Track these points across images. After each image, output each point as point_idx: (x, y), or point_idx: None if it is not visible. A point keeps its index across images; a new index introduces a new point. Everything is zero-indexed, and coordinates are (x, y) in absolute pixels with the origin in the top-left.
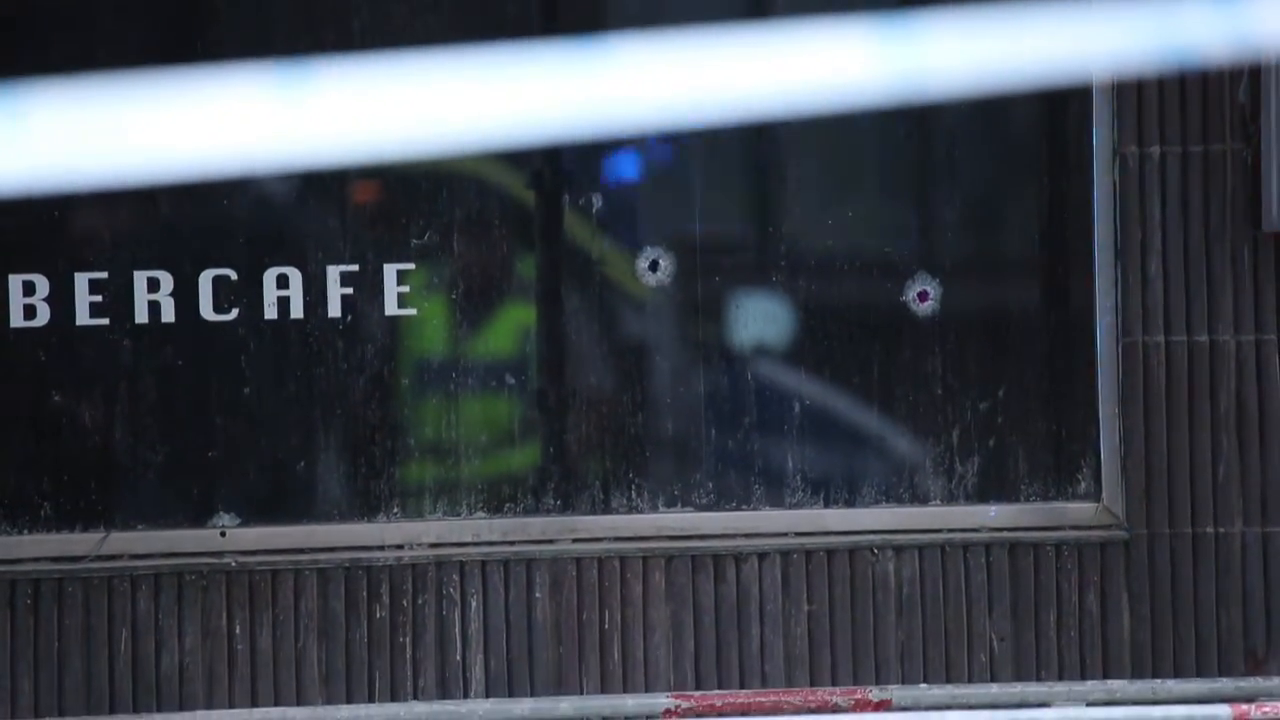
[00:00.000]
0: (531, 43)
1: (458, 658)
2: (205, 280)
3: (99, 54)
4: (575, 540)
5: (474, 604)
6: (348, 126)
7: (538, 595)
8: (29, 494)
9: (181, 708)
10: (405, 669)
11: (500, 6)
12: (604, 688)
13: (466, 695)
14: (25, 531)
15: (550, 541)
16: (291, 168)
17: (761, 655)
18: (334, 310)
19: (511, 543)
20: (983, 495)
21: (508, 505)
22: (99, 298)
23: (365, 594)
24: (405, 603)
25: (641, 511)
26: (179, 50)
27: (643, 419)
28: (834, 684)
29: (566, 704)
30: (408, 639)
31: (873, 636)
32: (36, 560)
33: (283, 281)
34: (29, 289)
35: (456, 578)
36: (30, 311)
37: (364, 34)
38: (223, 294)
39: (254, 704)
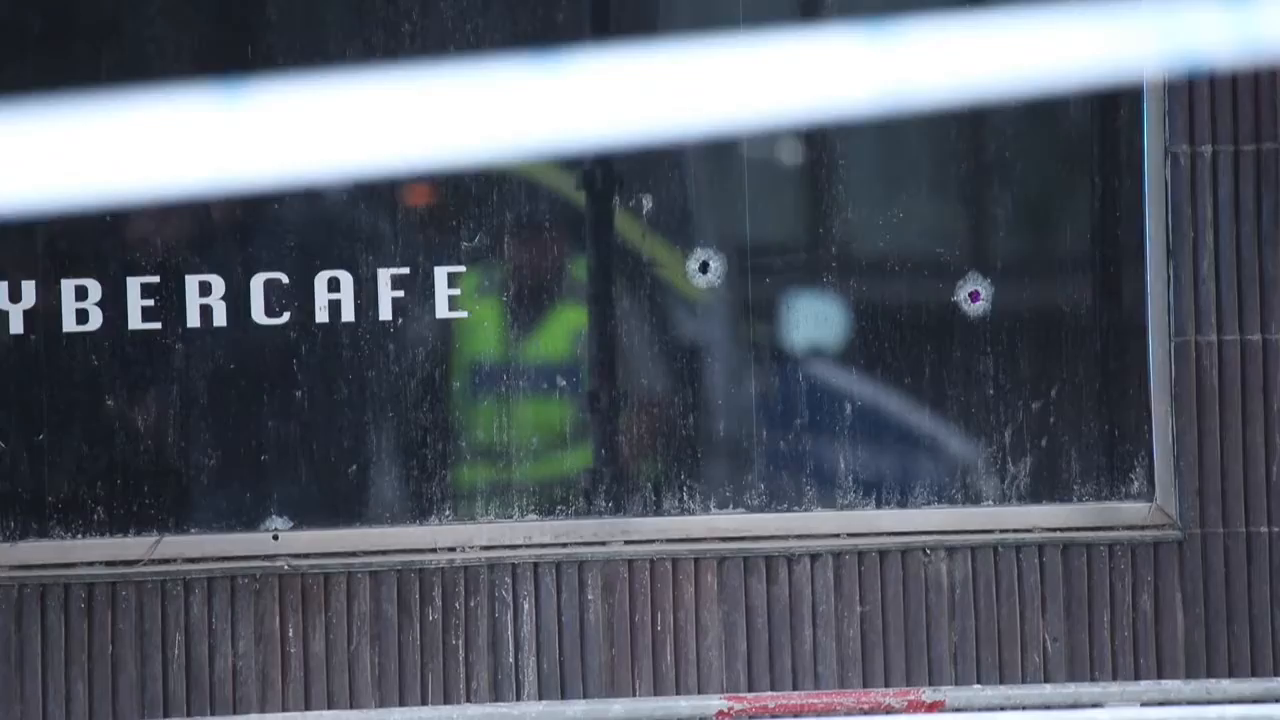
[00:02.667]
0: (574, 47)
1: (510, 660)
2: (257, 284)
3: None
4: (627, 542)
5: (526, 606)
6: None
7: (590, 597)
8: (82, 498)
9: (235, 711)
10: (458, 671)
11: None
12: (656, 690)
13: (519, 697)
14: (79, 535)
15: (602, 543)
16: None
17: (814, 656)
18: (385, 313)
19: (564, 544)
20: (1035, 495)
21: (559, 507)
22: (151, 302)
23: (418, 597)
24: (458, 605)
25: (693, 513)
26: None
27: (694, 420)
28: (887, 685)
29: (619, 706)
30: (460, 641)
31: (926, 637)
32: (90, 564)
33: (334, 285)
34: (81, 294)
35: (509, 580)
36: (83, 316)
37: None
38: (274, 298)
39: (307, 707)
